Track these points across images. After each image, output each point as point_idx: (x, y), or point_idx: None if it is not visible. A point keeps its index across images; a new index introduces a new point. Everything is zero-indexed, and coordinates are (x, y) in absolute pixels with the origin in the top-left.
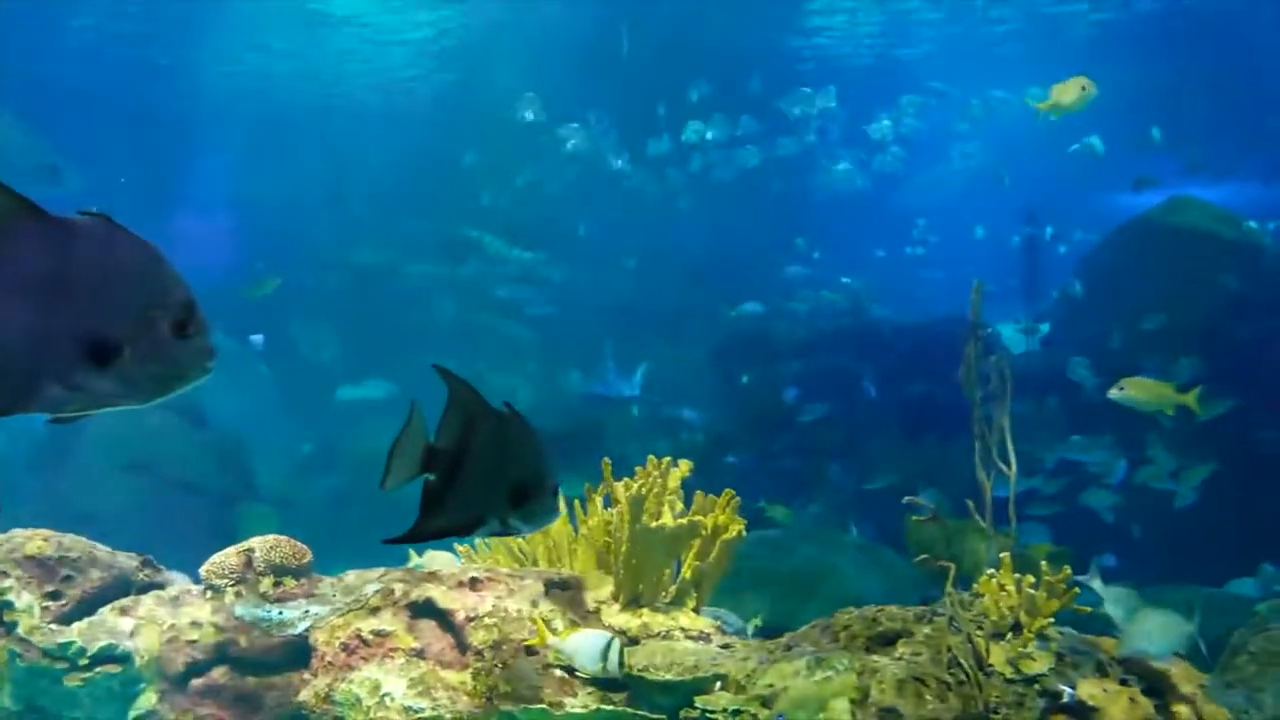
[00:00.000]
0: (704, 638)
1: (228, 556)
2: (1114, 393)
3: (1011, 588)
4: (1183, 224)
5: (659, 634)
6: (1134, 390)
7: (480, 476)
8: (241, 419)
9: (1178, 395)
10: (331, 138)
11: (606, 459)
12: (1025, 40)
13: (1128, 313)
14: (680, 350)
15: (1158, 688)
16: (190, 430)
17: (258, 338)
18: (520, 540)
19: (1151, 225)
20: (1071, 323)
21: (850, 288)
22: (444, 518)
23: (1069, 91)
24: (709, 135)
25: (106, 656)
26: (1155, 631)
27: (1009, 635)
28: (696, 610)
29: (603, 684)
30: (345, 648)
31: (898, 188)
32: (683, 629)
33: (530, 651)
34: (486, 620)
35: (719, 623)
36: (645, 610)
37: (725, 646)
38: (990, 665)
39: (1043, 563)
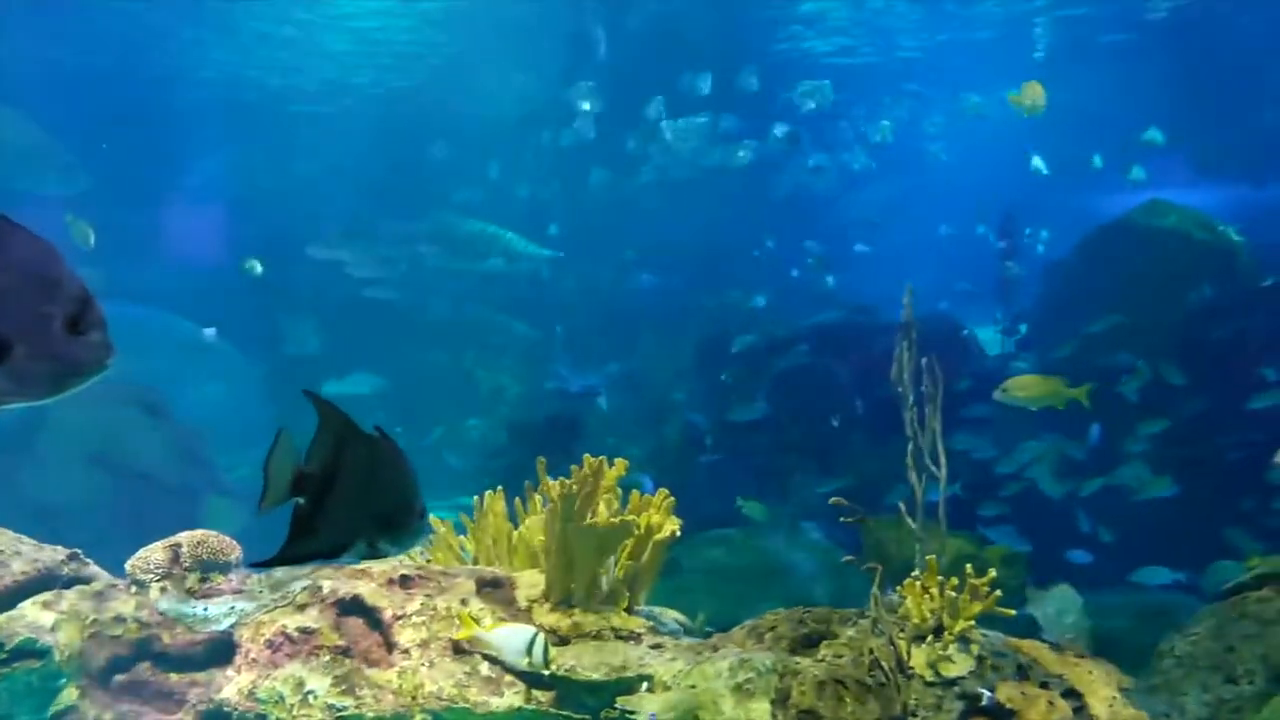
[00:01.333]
0: (635, 638)
1: (153, 551)
2: (998, 394)
3: (935, 590)
4: (1159, 226)
5: (590, 633)
6: (1019, 390)
7: (349, 501)
8: (219, 411)
9: (1068, 390)
10: (317, 130)
11: (541, 457)
12: (1001, 44)
13: (1102, 314)
14: (667, 347)
15: (1077, 691)
16: (152, 423)
17: (210, 330)
18: (462, 537)
19: (1129, 227)
20: (1048, 325)
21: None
22: (313, 542)
23: (1030, 93)
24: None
25: (26, 651)
26: (1049, 615)
27: (930, 638)
28: (630, 610)
29: (529, 681)
30: (270, 645)
31: (869, 187)
32: (614, 629)
33: (458, 650)
34: (414, 618)
35: (652, 623)
36: (577, 610)
37: (656, 647)
38: (910, 668)
39: (968, 566)
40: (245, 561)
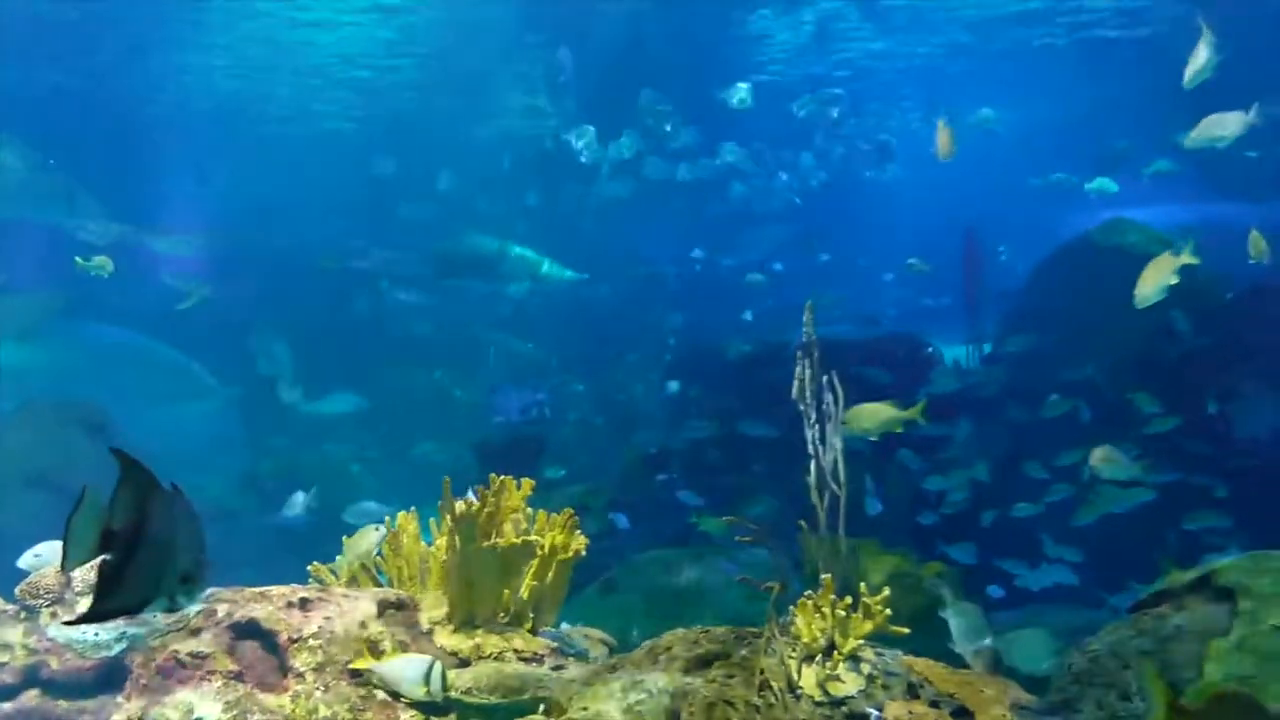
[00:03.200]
0: (537, 659)
1: (44, 576)
2: (842, 426)
3: (827, 609)
4: (1120, 245)
5: (491, 656)
6: (857, 421)
7: (153, 559)
8: (188, 431)
9: (901, 413)
10: (293, 149)
11: (447, 477)
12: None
13: (1066, 332)
14: (638, 363)
15: (968, 709)
16: (95, 442)
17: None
18: (377, 558)
19: (1090, 245)
20: (1012, 342)
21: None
22: (119, 598)
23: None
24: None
25: None
26: (958, 632)
27: (821, 658)
28: (534, 631)
29: (427, 707)
30: (161, 670)
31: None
32: (516, 650)
33: (355, 674)
34: (311, 642)
35: (557, 644)
36: (479, 631)
37: (558, 668)
38: (800, 688)
39: (861, 585)
40: None
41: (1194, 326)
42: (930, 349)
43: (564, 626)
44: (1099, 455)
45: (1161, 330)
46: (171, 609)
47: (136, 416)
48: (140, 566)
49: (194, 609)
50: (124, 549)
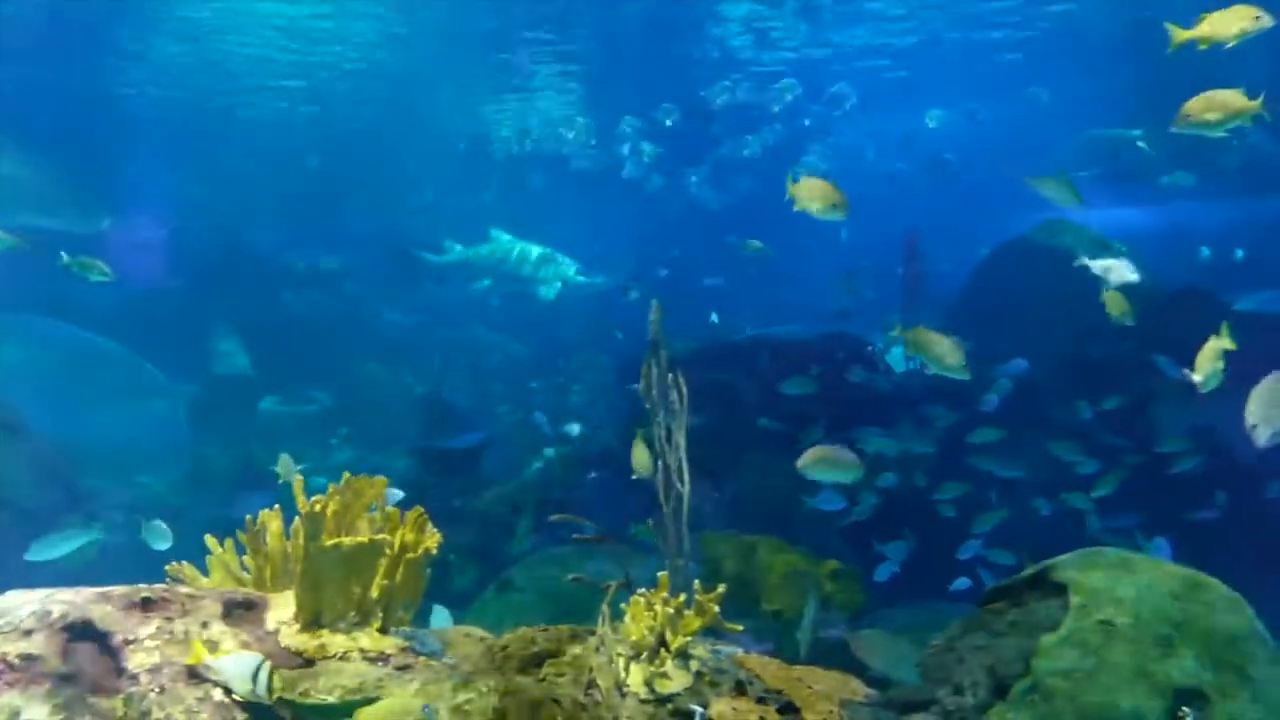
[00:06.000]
0: (383, 659)
1: None
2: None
3: (660, 606)
4: (1056, 245)
5: (335, 655)
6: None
7: None
8: (130, 429)
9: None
10: (247, 145)
11: (299, 476)
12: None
13: (1000, 331)
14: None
15: (795, 706)
16: (9, 442)
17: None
18: (245, 557)
19: (1027, 246)
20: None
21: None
22: None
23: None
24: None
25: None
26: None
27: (646, 655)
28: (384, 630)
29: (259, 709)
30: None
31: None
32: (362, 650)
33: (193, 675)
34: (148, 643)
35: (408, 643)
36: (325, 631)
37: (403, 668)
38: (627, 686)
39: (696, 582)
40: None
41: (1123, 327)
42: (870, 348)
43: (447, 626)
44: None
45: (1092, 330)
46: None
47: (78, 414)
48: None
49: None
50: None
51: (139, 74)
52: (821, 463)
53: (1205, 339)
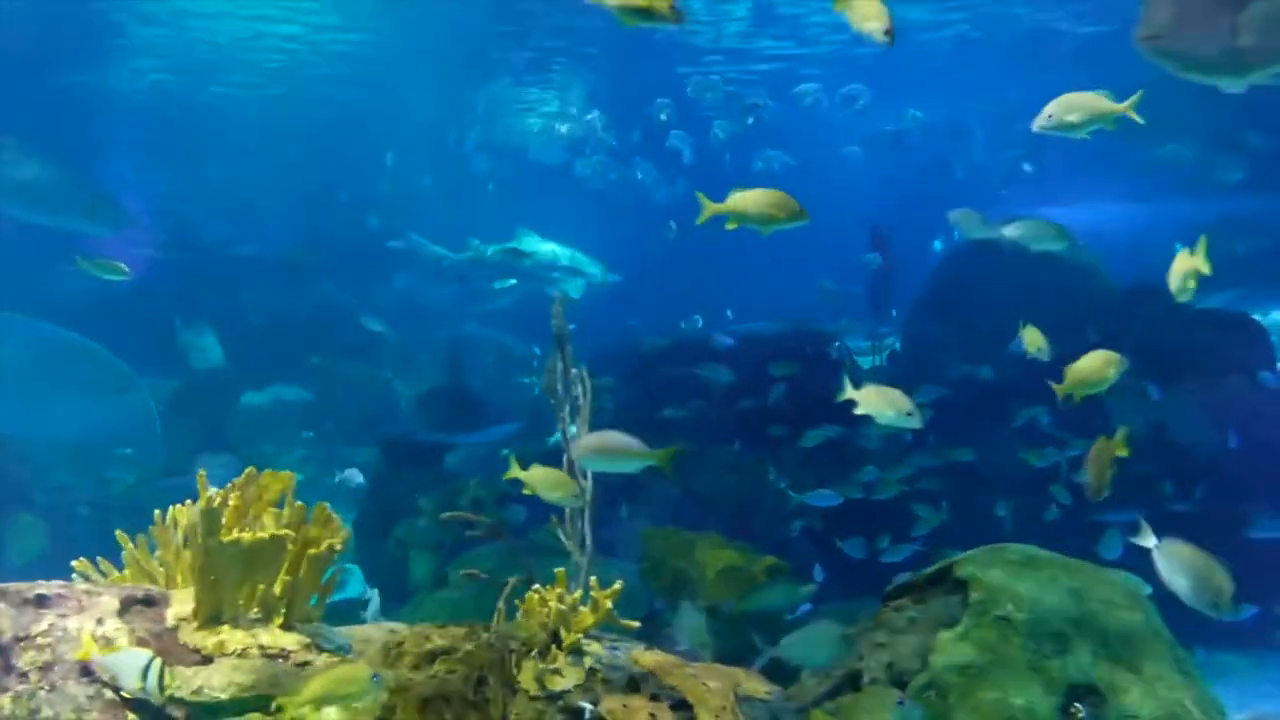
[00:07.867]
0: (283, 655)
1: None
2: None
3: (553, 603)
4: (1016, 242)
5: (233, 652)
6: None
7: None
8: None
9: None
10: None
11: (202, 470)
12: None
13: (967, 328)
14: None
15: (688, 702)
16: None
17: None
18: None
19: (989, 244)
20: (916, 338)
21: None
22: None
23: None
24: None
25: None
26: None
27: (537, 651)
28: (287, 626)
29: (152, 708)
30: None
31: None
32: (261, 647)
33: (86, 673)
34: (39, 640)
35: (312, 640)
36: (225, 628)
37: (303, 664)
38: (518, 682)
39: (593, 579)
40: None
41: (1081, 324)
42: (838, 344)
43: (377, 614)
44: None
45: (1052, 328)
46: None
47: (45, 409)
48: None
49: None
50: None
51: (110, 63)
52: (878, 402)
53: (1164, 336)
